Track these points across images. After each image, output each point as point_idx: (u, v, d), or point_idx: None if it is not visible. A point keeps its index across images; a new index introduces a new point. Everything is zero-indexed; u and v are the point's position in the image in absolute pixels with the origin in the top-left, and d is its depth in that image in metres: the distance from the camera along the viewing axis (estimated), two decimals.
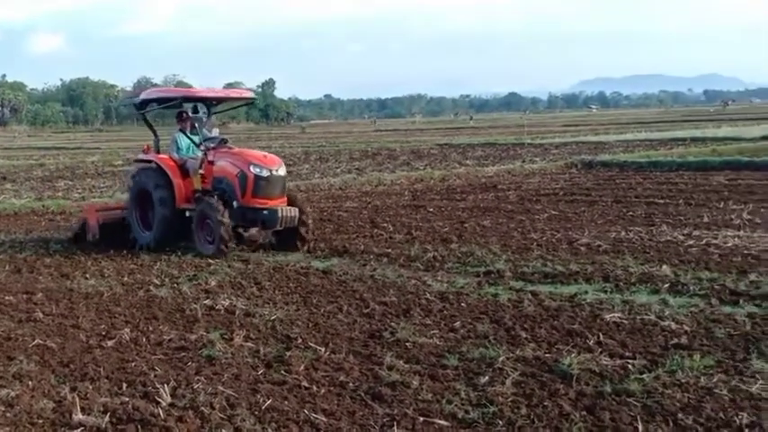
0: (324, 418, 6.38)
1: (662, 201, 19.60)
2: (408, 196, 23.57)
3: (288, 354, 8.14)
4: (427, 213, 19.24)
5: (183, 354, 8.36)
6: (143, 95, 16.76)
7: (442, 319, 9.40)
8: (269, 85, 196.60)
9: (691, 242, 13.70)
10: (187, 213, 15.15)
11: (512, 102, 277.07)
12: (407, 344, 8.42)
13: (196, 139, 15.99)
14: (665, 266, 11.63)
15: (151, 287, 11.76)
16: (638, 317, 9.10)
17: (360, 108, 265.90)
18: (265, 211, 14.53)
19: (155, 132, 16.85)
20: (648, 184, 23.78)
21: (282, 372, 7.61)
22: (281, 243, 15.05)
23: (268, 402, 6.74)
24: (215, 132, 16.23)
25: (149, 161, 16.11)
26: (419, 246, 14.37)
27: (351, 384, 7.22)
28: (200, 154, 15.64)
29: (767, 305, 9.44)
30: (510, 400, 6.69)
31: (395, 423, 6.22)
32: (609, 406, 6.47)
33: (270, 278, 12.19)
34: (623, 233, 15.01)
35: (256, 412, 6.56)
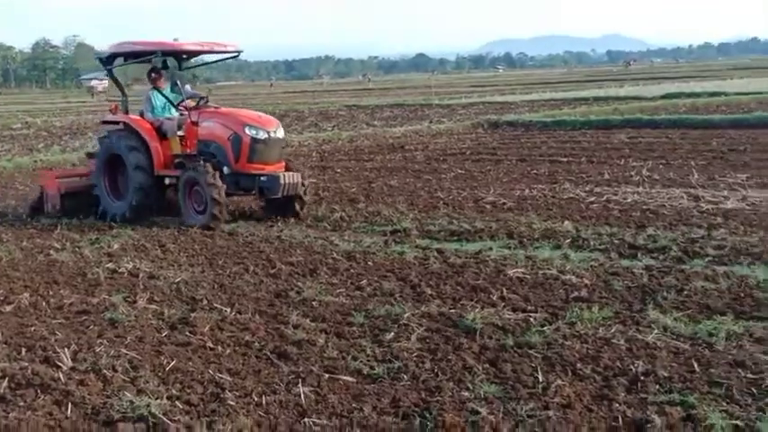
0: (228, 378, 6.34)
1: (565, 159, 19.94)
2: (316, 157, 23.48)
3: (193, 315, 8.07)
4: (335, 174, 19.22)
5: (85, 317, 8.21)
6: (112, 49, 14.90)
7: (349, 278, 9.44)
8: None
9: (592, 199, 14.00)
10: (167, 181, 13.89)
11: (420, 63, 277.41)
12: (314, 303, 8.43)
13: (172, 97, 14.55)
14: (567, 222, 11.86)
15: (51, 251, 11.49)
16: (541, 271, 9.28)
17: (267, 70, 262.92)
18: (263, 178, 13.12)
19: (123, 91, 15.22)
20: (552, 142, 24.15)
21: (187, 333, 7.54)
22: (272, 210, 13.72)
23: (172, 363, 6.67)
24: (188, 89, 14.86)
25: (120, 122, 14.47)
26: (326, 206, 14.36)
27: (256, 344, 7.19)
28: (176, 114, 14.38)
29: (664, 258, 9.72)
30: (415, 355, 6.76)
31: (300, 380, 6.22)
32: (511, 358, 6.59)
33: (174, 240, 12.03)
34: (527, 191, 15.24)
35: (160, 374, 6.49)
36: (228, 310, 8.24)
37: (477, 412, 5.56)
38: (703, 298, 7.97)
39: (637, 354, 6.56)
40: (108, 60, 14.91)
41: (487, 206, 13.76)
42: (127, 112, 14.78)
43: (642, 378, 6.03)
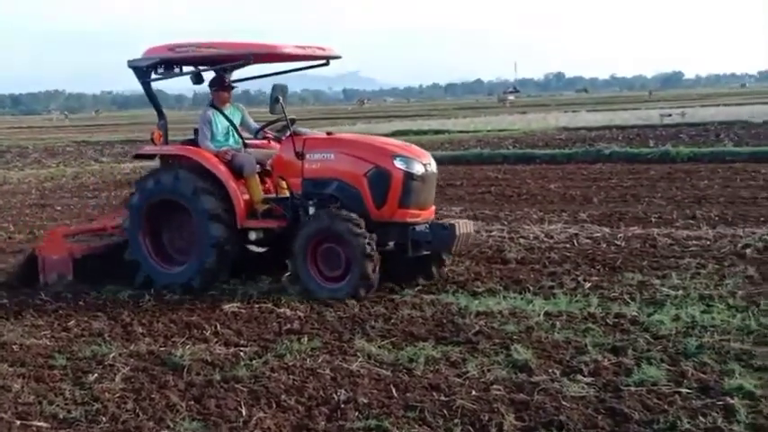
0: None
1: None
2: (36, 195, 22.41)
3: None
4: (54, 212, 18.43)
5: None
6: (161, 53, 10.68)
7: (56, 319, 9.07)
8: None
9: None
10: (252, 236, 10.34)
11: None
12: (14, 346, 8.01)
13: (237, 120, 10.92)
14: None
15: None
16: (257, 305, 9.30)
17: None
18: (420, 227, 9.81)
19: (161, 112, 11.09)
20: None
21: None
22: (399, 271, 10.13)
23: None
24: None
25: (177, 156, 10.73)
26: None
27: None
28: (239, 144, 10.85)
29: (377, 288, 9.97)
30: (117, 395, 6.55)
31: None
32: (217, 393, 6.53)
33: None
34: None
35: None
36: None
37: None
38: (408, 325, 8.28)
39: (341, 382, 6.70)
40: (147, 70, 10.79)
41: None
42: (167, 141, 11.08)
43: (343, 406, 6.17)
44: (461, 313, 8.67)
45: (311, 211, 9.92)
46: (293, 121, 10.28)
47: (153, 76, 10.85)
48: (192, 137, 11.02)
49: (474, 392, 6.32)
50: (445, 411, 5.99)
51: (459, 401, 6.10)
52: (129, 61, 10.72)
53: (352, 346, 7.65)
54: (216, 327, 8.47)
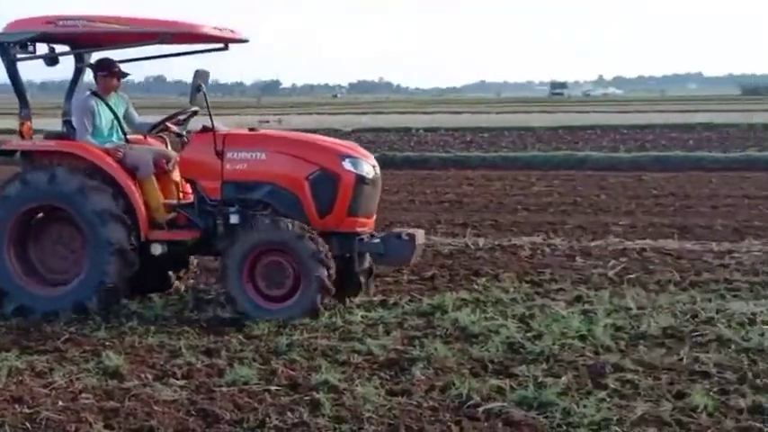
0: None
1: None
2: None
3: None
4: None
5: None
6: (37, 25, 8.58)
7: None
8: None
9: None
10: (158, 249, 8.48)
11: None
12: None
13: (121, 109, 9.02)
14: None
15: None
16: None
17: None
18: (369, 239, 8.63)
19: (25, 100, 8.86)
20: None
21: None
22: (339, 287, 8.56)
23: None
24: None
25: (54, 152, 8.62)
26: None
27: None
28: (120, 140, 8.94)
29: None
30: None
31: None
32: None
33: None
34: None
35: None
36: None
37: None
38: None
39: None
40: (15, 47, 8.61)
41: None
42: (30, 133, 8.87)
43: None
44: (49, 320, 8.26)
45: (233, 219, 8.47)
46: (195, 114, 8.94)
47: (19, 55, 8.74)
48: (64, 130, 9.19)
49: (61, 403, 6.03)
50: (29, 424, 5.66)
51: (44, 413, 5.78)
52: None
53: None
54: None
